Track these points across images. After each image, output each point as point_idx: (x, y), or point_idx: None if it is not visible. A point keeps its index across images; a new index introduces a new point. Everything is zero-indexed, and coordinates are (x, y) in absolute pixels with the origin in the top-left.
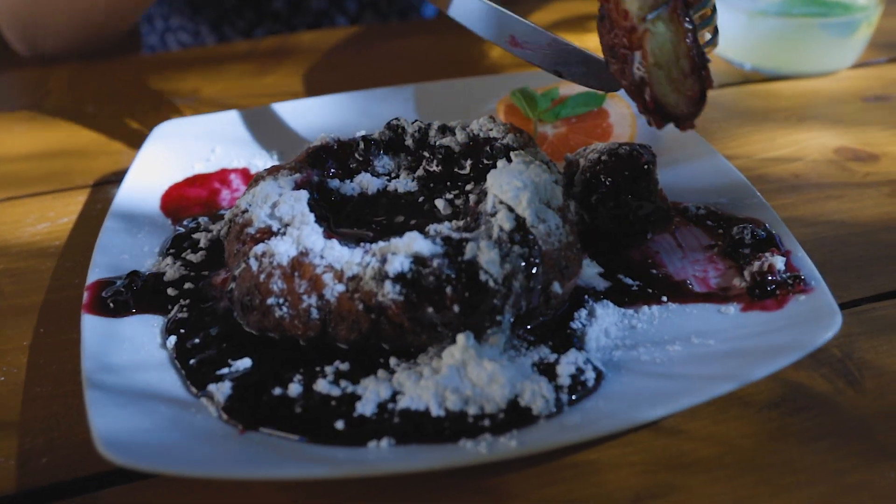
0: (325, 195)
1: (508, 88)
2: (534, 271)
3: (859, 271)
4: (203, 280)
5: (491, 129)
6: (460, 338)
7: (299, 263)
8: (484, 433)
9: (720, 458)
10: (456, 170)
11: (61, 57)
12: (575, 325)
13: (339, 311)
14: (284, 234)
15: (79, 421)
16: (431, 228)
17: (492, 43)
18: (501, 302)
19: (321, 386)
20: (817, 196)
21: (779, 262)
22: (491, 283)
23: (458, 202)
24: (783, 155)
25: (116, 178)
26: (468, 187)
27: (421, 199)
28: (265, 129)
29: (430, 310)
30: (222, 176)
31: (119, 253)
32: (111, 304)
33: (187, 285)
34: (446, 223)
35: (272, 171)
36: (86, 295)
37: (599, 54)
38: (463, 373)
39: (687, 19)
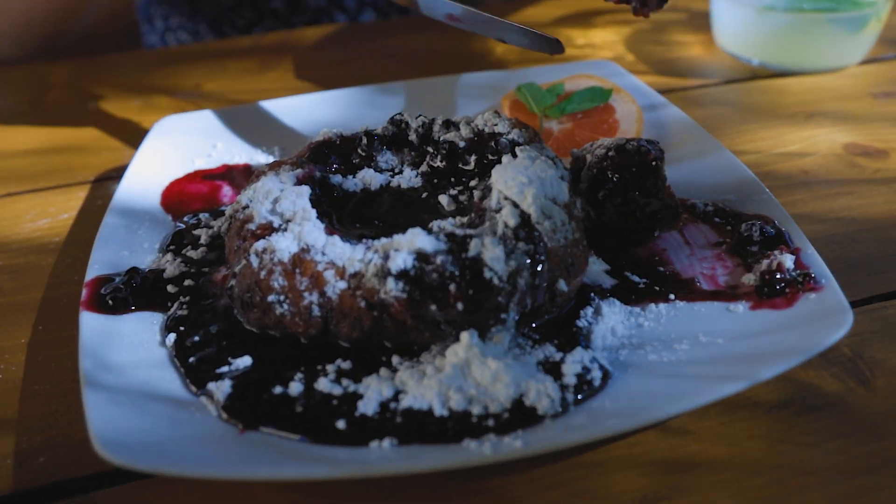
0: (327, 191)
1: (514, 84)
2: (539, 268)
3: (870, 269)
4: (203, 277)
5: (496, 125)
6: (464, 336)
7: (301, 260)
8: (488, 433)
9: (729, 460)
10: (460, 165)
11: (15, 61)
12: (581, 323)
13: (340, 308)
14: (286, 230)
15: (77, 419)
16: (435, 225)
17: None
18: (506, 299)
19: (322, 385)
20: (827, 192)
21: (788, 261)
22: (495, 281)
23: (462, 198)
24: (792, 151)
25: (117, 173)
26: (472, 183)
27: (424, 195)
28: (267, 124)
29: (434, 307)
30: (223, 171)
31: (119, 249)
32: (110, 302)
33: (187, 282)
34: (450, 219)
35: (273, 167)
36: (84, 292)
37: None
38: (467, 372)
39: None
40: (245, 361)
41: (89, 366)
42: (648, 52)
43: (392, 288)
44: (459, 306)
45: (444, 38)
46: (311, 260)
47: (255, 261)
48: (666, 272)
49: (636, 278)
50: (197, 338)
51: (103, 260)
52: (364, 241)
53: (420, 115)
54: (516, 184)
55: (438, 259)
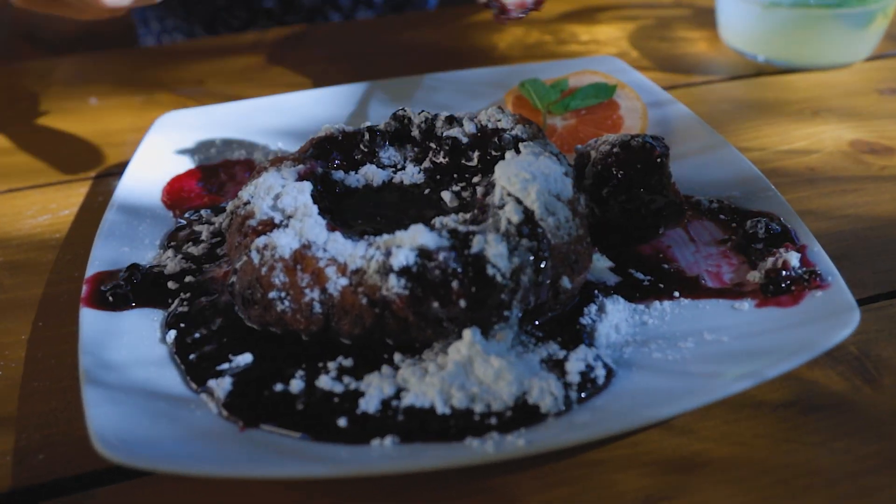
0: (329, 187)
1: (517, 80)
2: (542, 265)
3: (876, 266)
4: (204, 273)
5: (499, 120)
6: (467, 333)
7: (302, 256)
8: (491, 431)
9: (734, 459)
10: (463, 161)
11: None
12: (585, 320)
13: (342, 305)
14: (287, 226)
15: (77, 417)
16: (437, 221)
17: (500, 36)
18: (509, 297)
19: (324, 382)
20: (833, 189)
21: (793, 259)
22: (498, 278)
23: (465, 194)
24: (797, 148)
25: (118, 169)
26: (475, 179)
27: (427, 191)
28: (269, 120)
29: (436, 304)
30: (225, 167)
31: (119, 245)
32: (110, 298)
33: (188, 279)
34: (453, 216)
35: (275, 162)
36: (85, 288)
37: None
38: (469, 369)
39: None
40: (246, 358)
41: (89, 363)
42: (653, 48)
43: (394, 285)
44: (462, 303)
45: (446, 34)
46: (312, 256)
47: (256, 257)
48: (670, 269)
49: (640, 275)
50: (197, 335)
51: (104, 256)
52: (366, 237)
53: (423, 111)
54: (519, 180)
55: (441, 256)
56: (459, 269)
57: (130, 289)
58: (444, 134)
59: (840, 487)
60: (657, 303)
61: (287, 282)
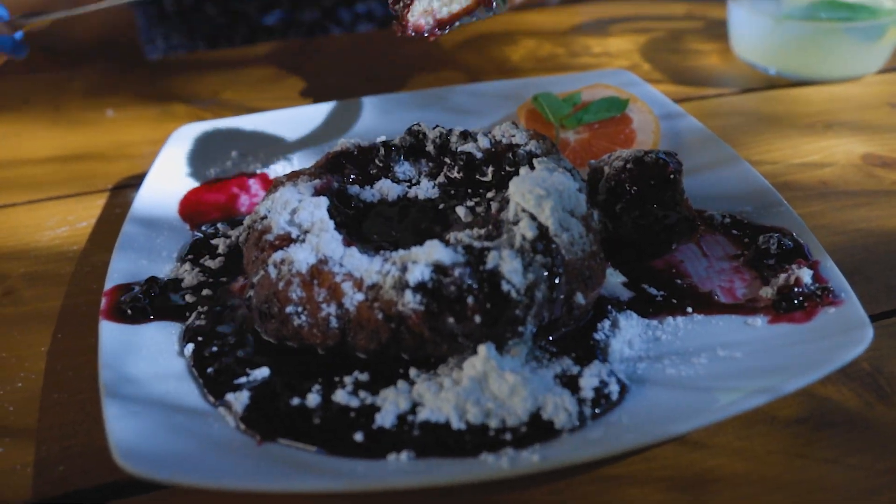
0: (344, 201)
1: (530, 93)
2: (556, 281)
3: (889, 282)
4: (221, 287)
5: (514, 136)
6: (481, 349)
7: (318, 271)
8: (505, 447)
9: (747, 475)
10: (477, 176)
11: None
12: (598, 336)
13: (358, 319)
14: (304, 241)
15: (95, 428)
16: (452, 236)
17: (514, 48)
18: (524, 312)
19: (340, 396)
20: (845, 204)
21: (806, 276)
22: (513, 294)
23: (479, 209)
24: (809, 161)
25: (135, 181)
26: (490, 194)
27: (441, 206)
28: (284, 133)
29: (451, 320)
30: (240, 181)
31: (137, 258)
32: (129, 311)
33: (205, 292)
34: (467, 231)
35: (292, 177)
36: (104, 301)
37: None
38: (484, 385)
39: None
40: (263, 372)
41: (109, 377)
42: (665, 61)
43: (410, 300)
44: (477, 319)
45: (459, 48)
46: (328, 271)
47: (273, 272)
48: (683, 285)
49: (653, 291)
50: (215, 348)
51: (122, 269)
52: (381, 252)
53: (437, 126)
54: (534, 196)
55: (456, 271)
56: (474, 285)
57: (149, 302)
58: (459, 149)
59: None
60: (670, 318)
61: (304, 296)
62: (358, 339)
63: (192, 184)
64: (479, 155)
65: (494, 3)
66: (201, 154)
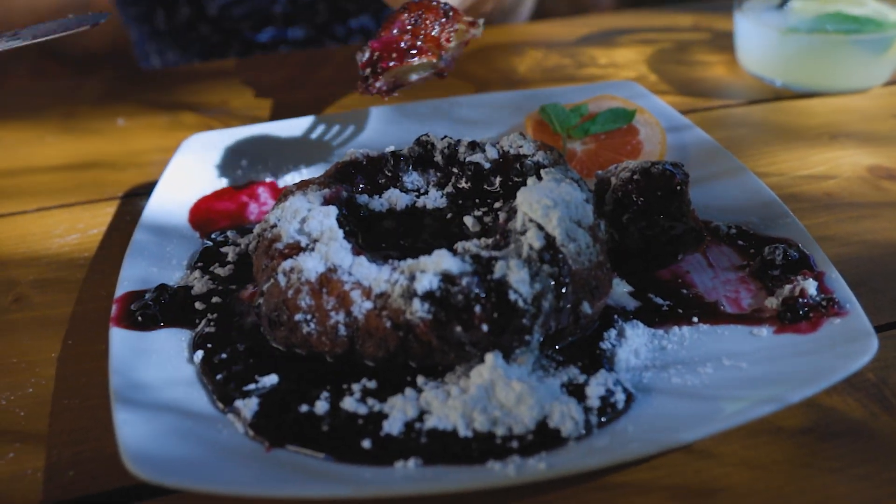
0: (353, 210)
1: (537, 104)
2: (563, 291)
3: (894, 293)
4: (230, 294)
5: (521, 146)
6: (489, 357)
7: (327, 280)
8: (512, 455)
9: (752, 484)
10: (485, 187)
11: None
12: (604, 345)
13: (366, 328)
14: (313, 249)
15: (106, 434)
16: (460, 246)
17: (521, 59)
18: (531, 321)
19: (348, 404)
20: (850, 215)
21: (811, 287)
22: (520, 303)
23: (486, 219)
24: (815, 173)
25: (146, 190)
26: (497, 204)
27: (449, 216)
28: (293, 142)
29: (459, 328)
30: (250, 189)
31: (148, 266)
32: (139, 318)
33: (215, 299)
34: (475, 240)
35: (301, 186)
36: (114, 307)
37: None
38: (491, 393)
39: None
40: (272, 379)
41: (119, 383)
42: (671, 72)
43: (418, 309)
44: (484, 328)
45: (466, 59)
46: (337, 280)
47: (282, 280)
48: (689, 295)
49: (660, 300)
50: (224, 355)
51: (133, 276)
52: (390, 261)
53: (446, 137)
54: (541, 206)
55: (464, 281)
56: (482, 294)
57: (159, 309)
58: (467, 159)
59: None
60: (676, 328)
61: (313, 304)
62: (366, 346)
63: (202, 192)
64: (486, 165)
65: (445, 73)
66: (211, 163)
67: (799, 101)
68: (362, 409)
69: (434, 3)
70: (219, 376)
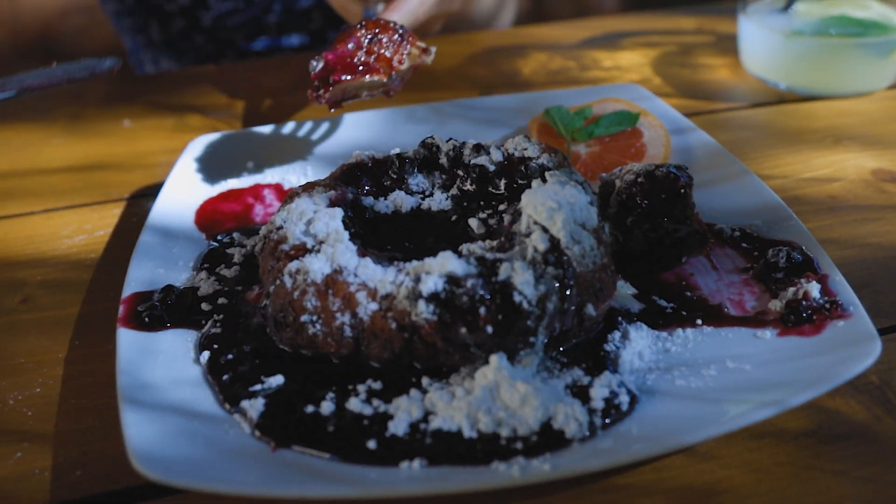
0: (359, 212)
1: (541, 106)
2: (568, 293)
3: None
4: (236, 295)
5: (526, 149)
6: (493, 359)
7: (333, 281)
8: (516, 456)
9: (755, 486)
10: (490, 189)
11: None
12: (608, 347)
13: (372, 329)
14: (319, 251)
15: (112, 434)
16: (465, 248)
17: (525, 61)
18: (535, 323)
19: (353, 404)
20: (854, 218)
21: (814, 290)
22: (525, 305)
23: (491, 222)
24: (819, 176)
25: (151, 191)
26: (502, 207)
27: (454, 218)
28: (298, 144)
29: (464, 330)
30: (256, 191)
31: (154, 267)
32: (146, 319)
33: (221, 300)
34: (479, 243)
35: (307, 188)
36: (121, 308)
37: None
38: (496, 394)
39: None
40: (278, 380)
41: (127, 383)
42: (675, 75)
43: (423, 310)
44: (489, 329)
45: (470, 61)
46: (343, 281)
47: (288, 281)
48: (693, 297)
49: (664, 303)
50: (230, 356)
51: (139, 277)
52: (395, 263)
53: (451, 139)
54: (546, 209)
55: (469, 282)
56: (487, 296)
57: (165, 310)
58: (472, 162)
59: None
60: (680, 330)
61: (318, 306)
62: (371, 348)
63: (208, 194)
64: (491, 168)
65: (392, 93)
66: (217, 164)
67: (803, 104)
68: (368, 410)
69: (391, 24)
70: (225, 377)
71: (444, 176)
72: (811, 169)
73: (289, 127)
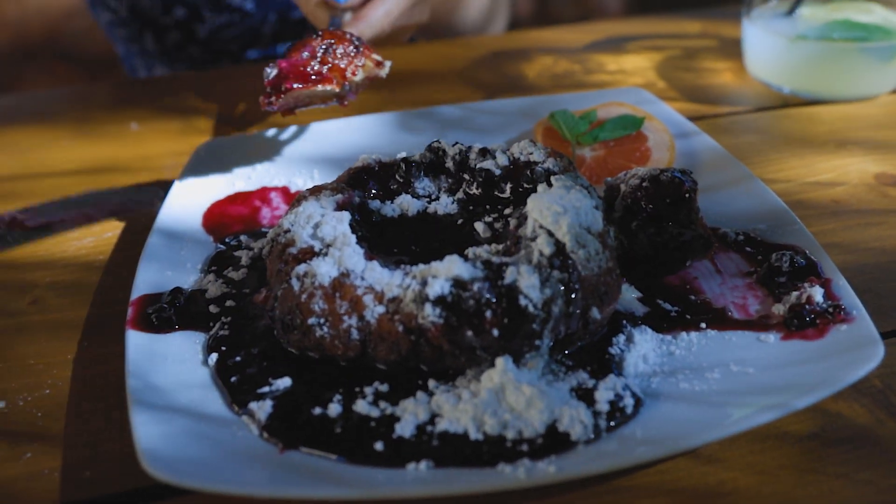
0: (365, 216)
1: (546, 110)
2: (573, 296)
3: None
4: (244, 298)
5: (531, 153)
6: (499, 361)
7: (340, 284)
8: (522, 458)
9: (759, 489)
10: (496, 193)
11: None
12: (613, 350)
13: (379, 332)
14: (326, 254)
15: (121, 435)
16: (471, 252)
17: (530, 65)
18: (540, 326)
19: (360, 406)
20: (858, 222)
21: (817, 294)
22: (530, 308)
23: (497, 225)
24: (823, 180)
25: (160, 194)
26: (508, 211)
27: (460, 222)
28: (305, 147)
29: (470, 333)
30: (262, 194)
31: (163, 269)
32: (155, 321)
33: (229, 303)
34: (485, 246)
35: (314, 192)
36: (130, 310)
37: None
38: (501, 397)
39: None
40: (285, 382)
41: (136, 385)
42: (679, 79)
43: (429, 313)
44: (495, 332)
45: (475, 65)
46: (350, 284)
47: (296, 284)
48: (697, 301)
49: (668, 306)
50: (238, 358)
51: (148, 280)
52: (402, 266)
53: (457, 143)
54: (551, 213)
55: (475, 286)
56: (493, 300)
57: (174, 312)
58: (478, 166)
59: None
60: (684, 333)
61: (326, 309)
62: (378, 350)
63: (216, 197)
64: (497, 172)
65: (346, 102)
66: (224, 167)
67: (807, 108)
68: (374, 412)
69: (348, 35)
70: (233, 379)
71: (450, 180)
72: (815, 173)
73: (295, 130)
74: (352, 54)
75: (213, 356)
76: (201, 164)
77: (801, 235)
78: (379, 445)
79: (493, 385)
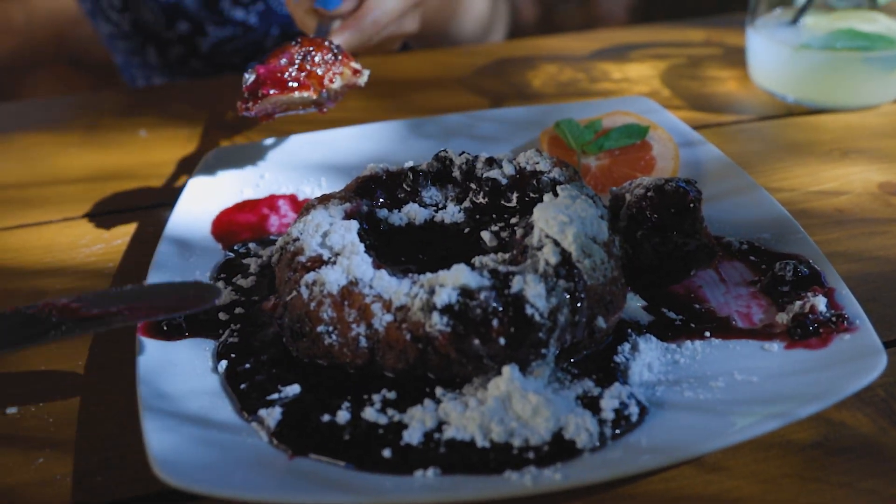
0: (373, 224)
1: (551, 119)
2: (579, 305)
3: None
4: (253, 305)
5: (538, 163)
6: (505, 370)
7: (349, 293)
8: (528, 465)
9: (762, 497)
10: (502, 202)
11: None
12: (618, 358)
13: (387, 340)
14: (335, 263)
15: (132, 441)
16: (478, 261)
17: (535, 73)
18: (547, 335)
19: (369, 414)
20: (861, 231)
21: (821, 303)
22: (537, 317)
23: (503, 235)
24: (827, 189)
25: (167, 201)
26: (514, 220)
27: (467, 231)
28: (313, 156)
29: (477, 342)
30: (271, 202)
31: (172, 276)
32: (165, 328)
33: (238, 310)
34: (492, 255)
35: (323, 200)
36: None
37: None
38: (508, 405)
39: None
40: (294, 389)
41: (147, 392)
42: (684, 87)
43: (437, 322)
44: (502, 341)
45: (481, 73)
46: (359, 293)
47: (305, 292)
48: (702, 310)
49: (673, 315)
50: (247, 365)
51: None
52: (410, 275)
53: (464, 153)
54: (557, 223)
55: (482, 295)
56: (500, 308)
57: (184, 319)
58: (485, 175)
59: None
60: (689, 342)
61: (335, 317)
62: (386, 358)
63: (224, 204)
64: (504, 181)
65: (325, 109)
66: (233, 175)
67: (810, 117)
68: (382, 420)
69: (327, 43)
70: (242, 386)
71: (457, 189)
72: (818, 182)
73: (303, 138)
74: (330, 62)
75: (223, 363)
76: (210, 172)
77: (805, 244)
78: (387, 452)
79: (500, 393)
